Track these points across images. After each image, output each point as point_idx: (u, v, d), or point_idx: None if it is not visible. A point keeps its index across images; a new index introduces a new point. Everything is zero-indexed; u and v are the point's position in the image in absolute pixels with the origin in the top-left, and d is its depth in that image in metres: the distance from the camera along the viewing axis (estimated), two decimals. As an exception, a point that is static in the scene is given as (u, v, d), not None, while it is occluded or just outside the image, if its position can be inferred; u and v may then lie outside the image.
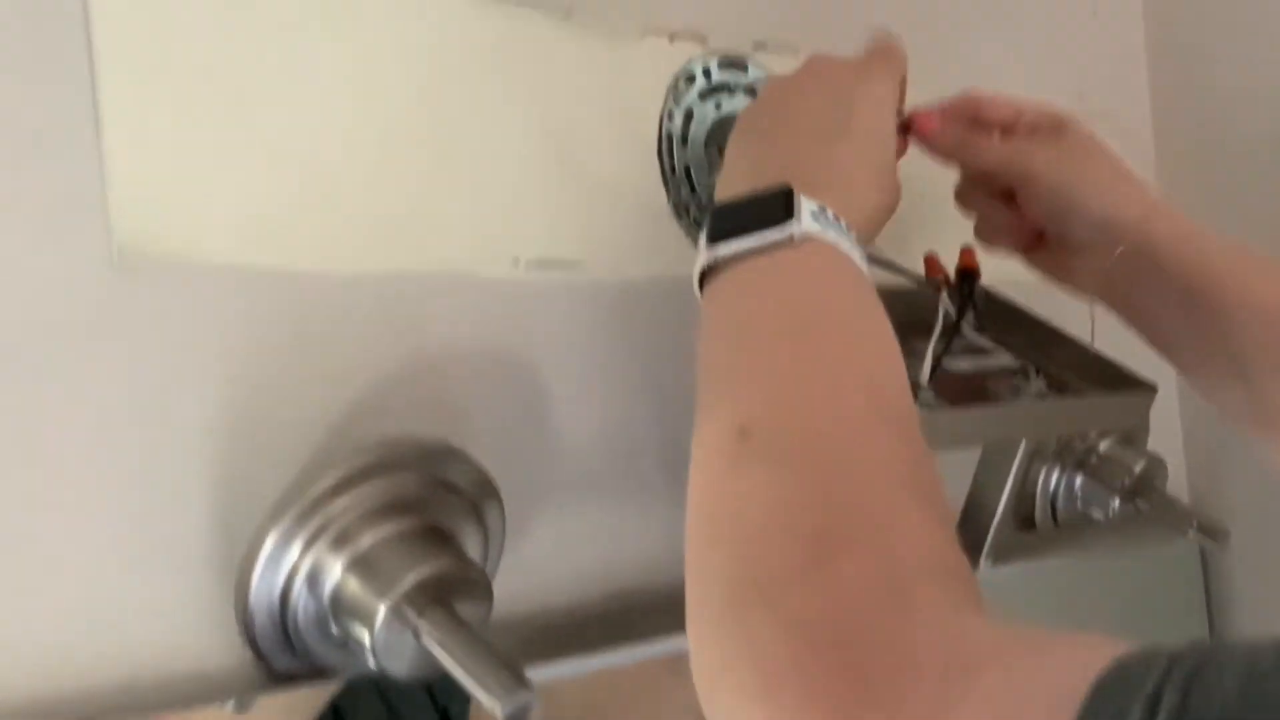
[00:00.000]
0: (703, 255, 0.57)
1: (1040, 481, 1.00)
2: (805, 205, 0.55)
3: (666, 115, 0.80)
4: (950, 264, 0.81)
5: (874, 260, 0.72)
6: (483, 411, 0.70)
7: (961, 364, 0.83)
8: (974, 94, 0.75)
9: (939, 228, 0.86)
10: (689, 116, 0.81)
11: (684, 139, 0.81)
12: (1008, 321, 0.87)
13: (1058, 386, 0.83)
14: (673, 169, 0.81)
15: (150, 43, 0.60)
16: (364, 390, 0.66)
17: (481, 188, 0.71)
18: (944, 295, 0.79)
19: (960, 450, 0.87)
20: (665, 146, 0.80)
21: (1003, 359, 0.86)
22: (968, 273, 0.80)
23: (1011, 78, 0.99)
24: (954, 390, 0.78)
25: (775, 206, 0.55)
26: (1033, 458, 0.95)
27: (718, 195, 0.62)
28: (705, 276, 0.58)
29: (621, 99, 0.78)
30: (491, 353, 0.71)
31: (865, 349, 0.54)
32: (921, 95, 0.74)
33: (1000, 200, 0.77)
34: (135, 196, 0.59)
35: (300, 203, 0.64)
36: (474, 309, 0.71)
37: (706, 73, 0.82)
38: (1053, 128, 0.75)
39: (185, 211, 0.61)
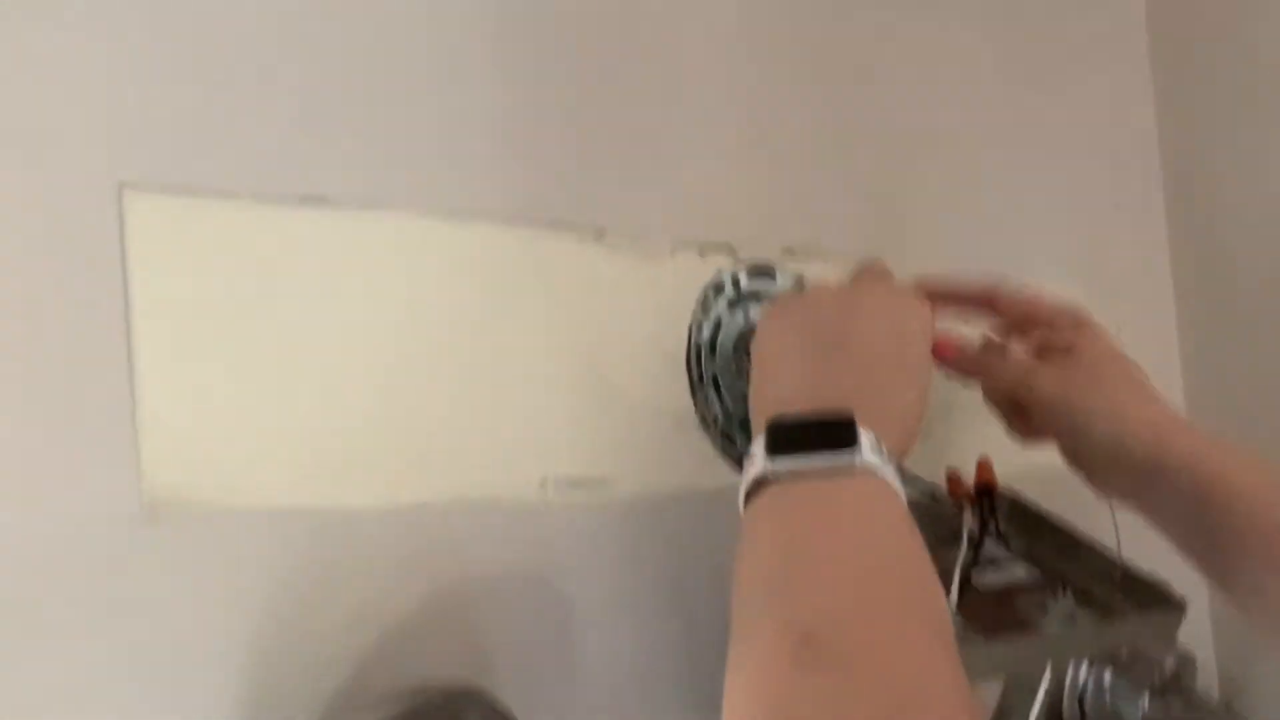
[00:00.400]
0: (758, 465, 0.57)
1: (1069, 677, 0.98)
2: (865, 437, 0.56)
3: (695, 327, 0.81)
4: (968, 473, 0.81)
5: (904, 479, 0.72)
6: (509, 642, 0.69)
7: (988, 577, 0.82)
8: (993, 285, 0.76)
9: (961, 432, 0.87)
10: (718, 326, 0.82)
11: (712, 349, 0.81)
12: (1032, 529, 0.87)
13: (1086, 600, 0.82)
14: (700, 379, 0.81)
15: (186, 290, 0.61)
16: (390, 625, 0.65)
17: (510, 410, 0.71)
18: (966, 515, 0.79)
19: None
20: (694, 357, 0.81)
21: (1029, 570, 0.85)
22: (986, 489, 0.79)
23: (1033, 270, 1.00)
24: (982, 613, 0.77)
25: (838, 432, 0.56)
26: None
27: (761, 400, 0.63)
28: (753, 487, 0.57)
29: (652, 314, 0.78)
30: (518, 579, 0.71)
31: (917, 578, 0.54)
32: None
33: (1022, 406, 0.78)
34: (167, 447, 0.60)
35: (336, 443, 0.65)
36: (500, 534, 0.70)
37: (735, 283, 0.83)
38: (1065, 345, 0.76)
39: (218, 460, 0.61)
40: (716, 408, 0.81)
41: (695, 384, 0.81)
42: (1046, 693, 0.93)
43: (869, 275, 0.71)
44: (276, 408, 0.63)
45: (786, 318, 0.66)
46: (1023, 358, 0.78)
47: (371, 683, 0.64)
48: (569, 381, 0.74)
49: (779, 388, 0.63)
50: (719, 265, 0.82)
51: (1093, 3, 1.11)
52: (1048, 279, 1.00)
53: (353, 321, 0.66)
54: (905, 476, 0.73)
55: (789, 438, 0.57)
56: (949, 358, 0.74)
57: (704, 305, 0.81)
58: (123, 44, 0.61)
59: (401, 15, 0.70)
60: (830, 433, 0.57)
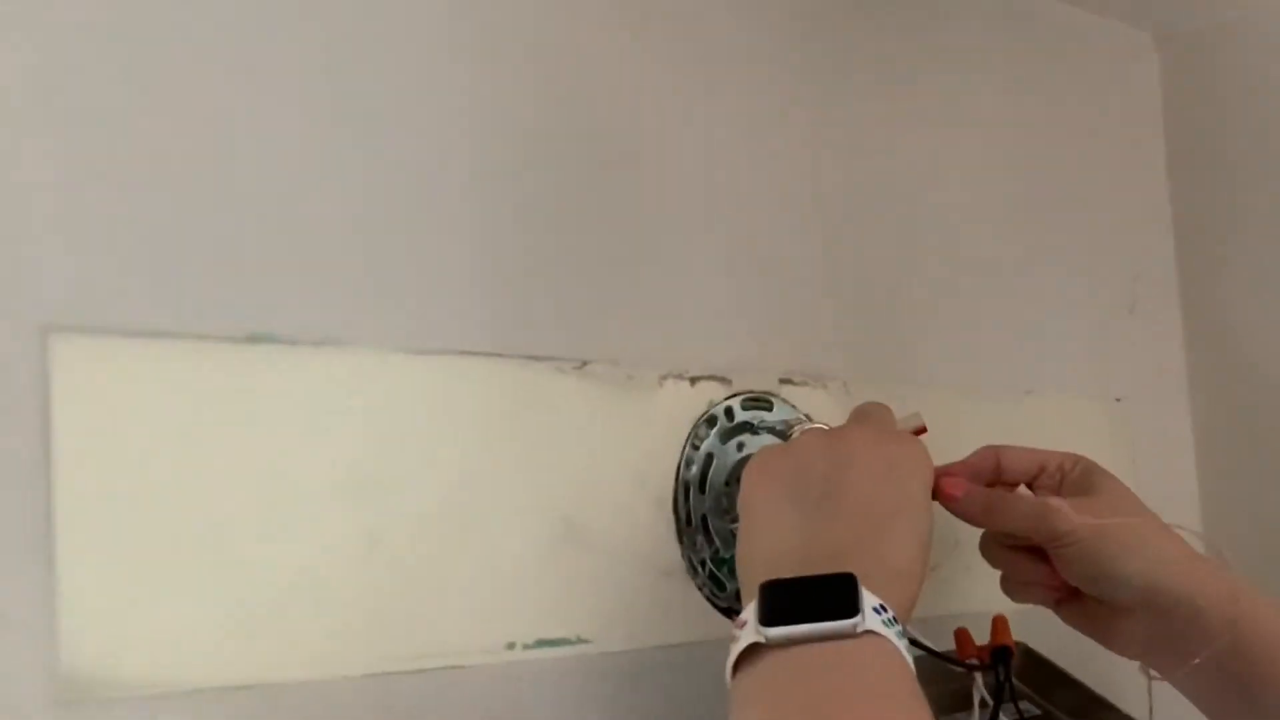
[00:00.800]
0: (749, 634, 0.52)
1: None
2: (867, 599, 0.52)
3: (684, 463, 0.75)
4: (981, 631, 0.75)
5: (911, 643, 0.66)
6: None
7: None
8: (993, 449, 0.71)
9: (970, 581, 0.80)
10: (709, 460, 0.75)
11: (702, 486, 0.75)
12: (1054, 688, 0.81)
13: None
14: (688, 520, 0.74)
15: (115, 443, 0.55)
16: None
17: (474, 565, 0.65)
18: (978, 681, 0.72)
19: None
20: (681, 497, 0.74)
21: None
22: (1003, 652, 0.73)
23: (1050, 378, 0.94)
24: None
25: (837, 595, 0.52)
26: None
27: (749, 560, 0.58)
28: (743, 654, 0.53)
29: (637, 452, 0.72)
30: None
31: None
32: (948, 411, 0.69)
33: (1027, 554, 0.72)
34: (87, 620, 0.53)
35: (278, 613, 0.58)
36: (462, 705, 0.64)
37: (729, 413, 0.77)
38: (1081, 480, 0.71)
39: (143, 634, 0.54)
40: (705, 550, 0.75)
41: (682, 525, 0.74)
42: None
43: (859, 417, 0.66)
44: (211, 570, 0.56)
45: (773, 468, 0.62)
46: (1037, 498, 0.72)
47: None
48: (543, 530, 0.67)
49: (768, 545, 0.59)
50: (711, 396, 0.76)
51: (1108, 111, 1.06)
52: (1060, 390, 0.95)
53: (298, 471, 0.59)
54: (915, 644, 0.68)
55: (783, 605, 0.52)
56: (955, 497, 0.68)
57: (693, 439, 0.75)
58: (51, 176, 0.55)
59: (365, 141, 0.64)
60: (829, 596, 0.52)
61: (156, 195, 0.57)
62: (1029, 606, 0.74)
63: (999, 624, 0.72)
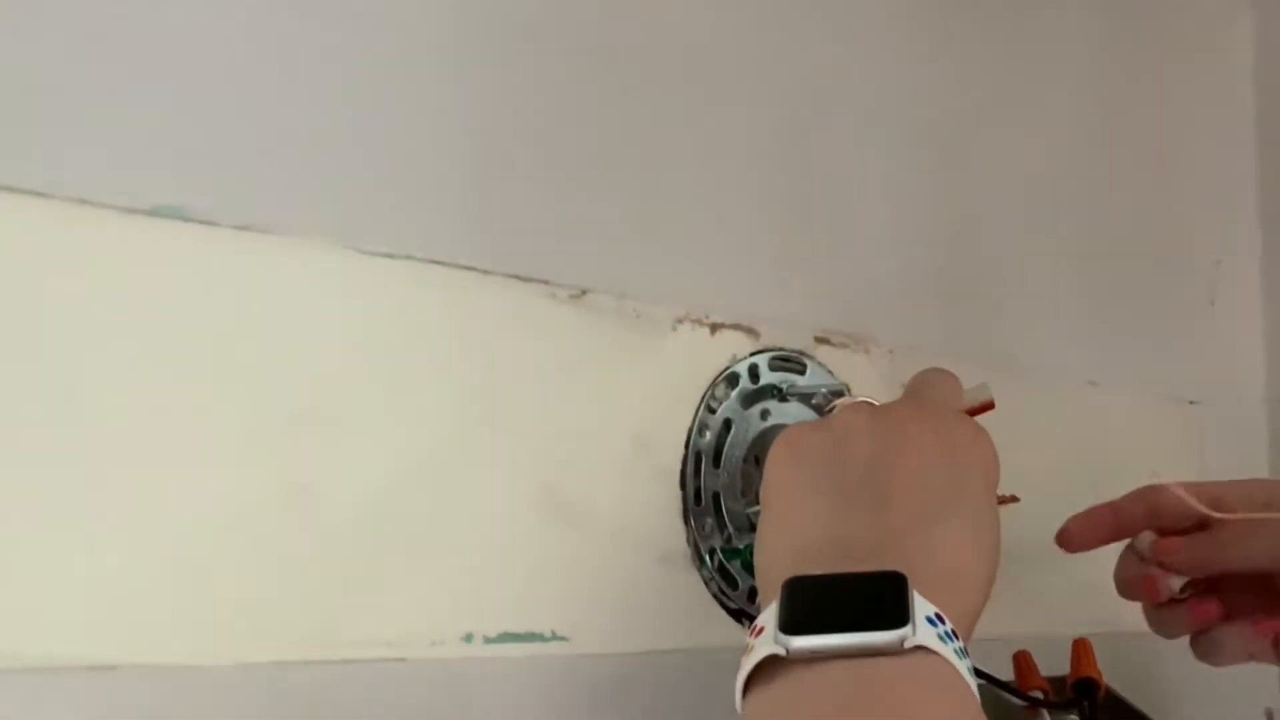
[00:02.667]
0: (767, 643, 0.38)
1: None
2: (920, 608, 0.39)
3: (696, 429, 0.61)
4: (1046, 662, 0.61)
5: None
6: None
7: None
8: (1151, 494, 0.57)
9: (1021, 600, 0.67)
10: (726, 429, 0.61)
11: (716, 458, 0.61)
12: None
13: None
14: (697, 498, 0.60)
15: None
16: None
17: (428, 539, 0.51)
18: (1046, 716, 0.58)
19: None
20: (690, 469, 0.60)
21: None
22: (1087, 684, 0.59)
23: (1117, 371, 0.81)
24: None
25: (879, 599, 0.39)
26: None
27: (771, 553, 0.45)
28: (757, 669, 0.39)
29: (639, 406, 0.58)
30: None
31: None
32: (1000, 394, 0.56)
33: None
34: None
35: (159, 578, 0.44)
36: (402, 703, 0.49)
37: (754, 372, 0.63)
38: None
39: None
40: (715, 537, 0.61)
41: (690, 504, 0.60)
42: None
43: (918, 386, 0.53)
44: (74, 520, 0.42)
45: (805, 446, 0.48)
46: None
47: None
48: (516, 496, 0.53)
49: (794, 537, 0.45)
50: (734, 350, 0.62)
51: (1196, 78, 0.93)
52: (1127, 385, 0.82)
53: (199, 398, 0.45)
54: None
55: (812, 609, 0.39)
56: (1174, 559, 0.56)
57: (709, 401, 0.61)
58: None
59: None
60: (870, 600, 0.39)
61: (48, 33, 0.43)
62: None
63: (1081, 651, 0.58)
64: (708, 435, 0.61)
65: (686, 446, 0.60)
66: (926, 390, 0.53)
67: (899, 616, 0.38)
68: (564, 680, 0.55)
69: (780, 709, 0.38)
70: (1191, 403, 0.89)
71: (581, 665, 0.55)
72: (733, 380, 0.62)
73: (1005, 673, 0.61)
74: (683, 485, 0.60)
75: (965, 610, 0.42)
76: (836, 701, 0.37)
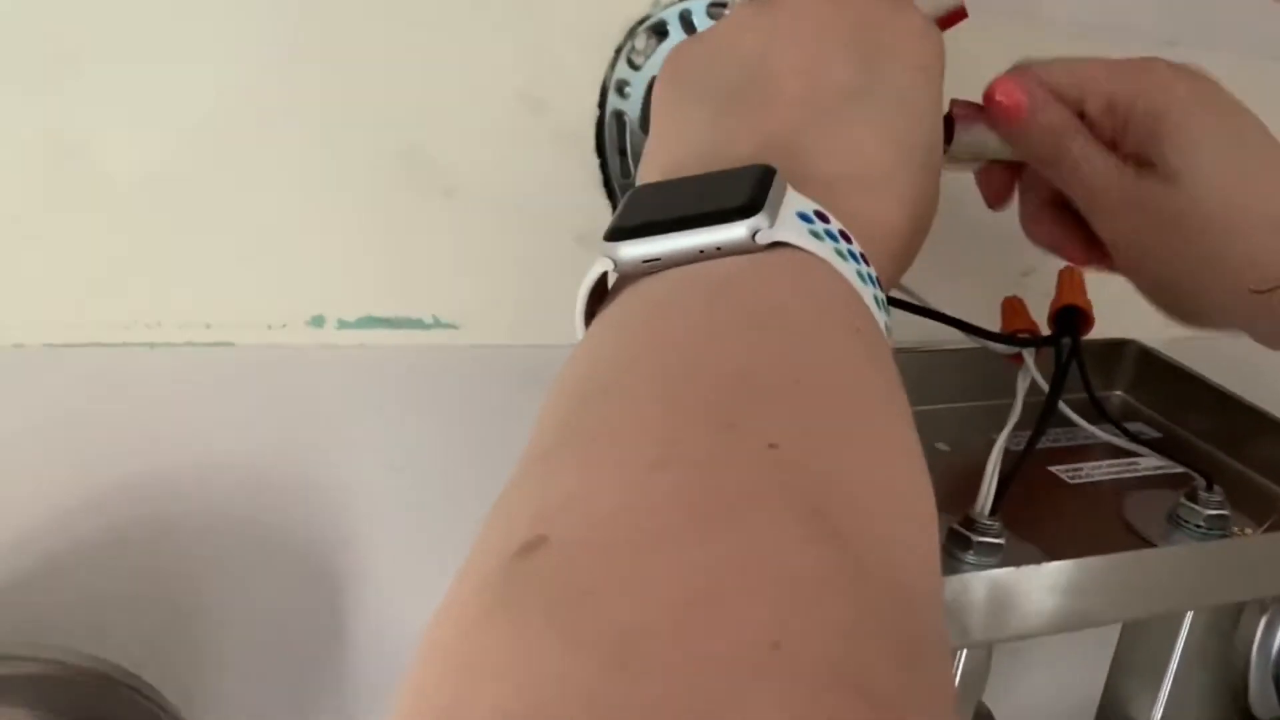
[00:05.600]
0: (595, 263, 0.31)
1: (1255, 638, 0.64)
2: (791, 199, 0.30)
3: (613, 87, 0.52)
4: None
5: (903, 305, 0.43)
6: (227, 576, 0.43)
7: (1070, 467, 0.52)
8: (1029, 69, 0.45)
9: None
10: (651, 88, 0.52)
11: (643, 121, 0.52)
12: (1189, 408, 0.56)
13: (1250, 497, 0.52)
14: (625, 170, 0.52)
15: None
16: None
17: (259, 206, 0.44)
18: (1028, 362, 0.48)
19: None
20: (611, 135, 0.52)
21: (1147, 461, 0.55)
22: (1070, 314, 0.48)
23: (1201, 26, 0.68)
24: (1053, 518, 0.48)
25: (736, 194, 0.30)
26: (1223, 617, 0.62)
27: (642, 176, 0.36)
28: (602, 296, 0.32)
29: (521, 63, 0.49)
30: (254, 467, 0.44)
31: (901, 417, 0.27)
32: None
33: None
34: None
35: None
36: (233, 391, 0.44)
37: (686, 20, 0.53)
38: (1153, 131, 0.44)
39: None
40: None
41: (614, 174, 0.52)
42: (1192, 658, 0.61)
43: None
44: None
45: (684, 57, 0.39)
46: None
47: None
48: (368, 162, 0.46)
49: (665, 153, 0.37)
50: (653, -8, 0.52)
51: None
52: (1216, 45, 0.68)
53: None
54: (911, 305, 0.45)
55: (652, 210, 0.31)
56: (1018, 110, 0.44)
57: (629, 54, 0.52)
58: None
59: None
60: (723, 196, 0.31)
61: None
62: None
63: (1067, 279, 0.47)
64: (630, 94, 0.52)
65: (601, 107, 0.51)
66: None
67: (752, 206, 0.29)
68: (453, 373, 0.48)
69: (597, 329, 0.30)
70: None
71: (478, 357, 0.48)
72: (660, 31, 0.53)
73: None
74: (600, 153, 0.51)
75: (877, 225, 0.33)
76: (652, 304, 0.29)
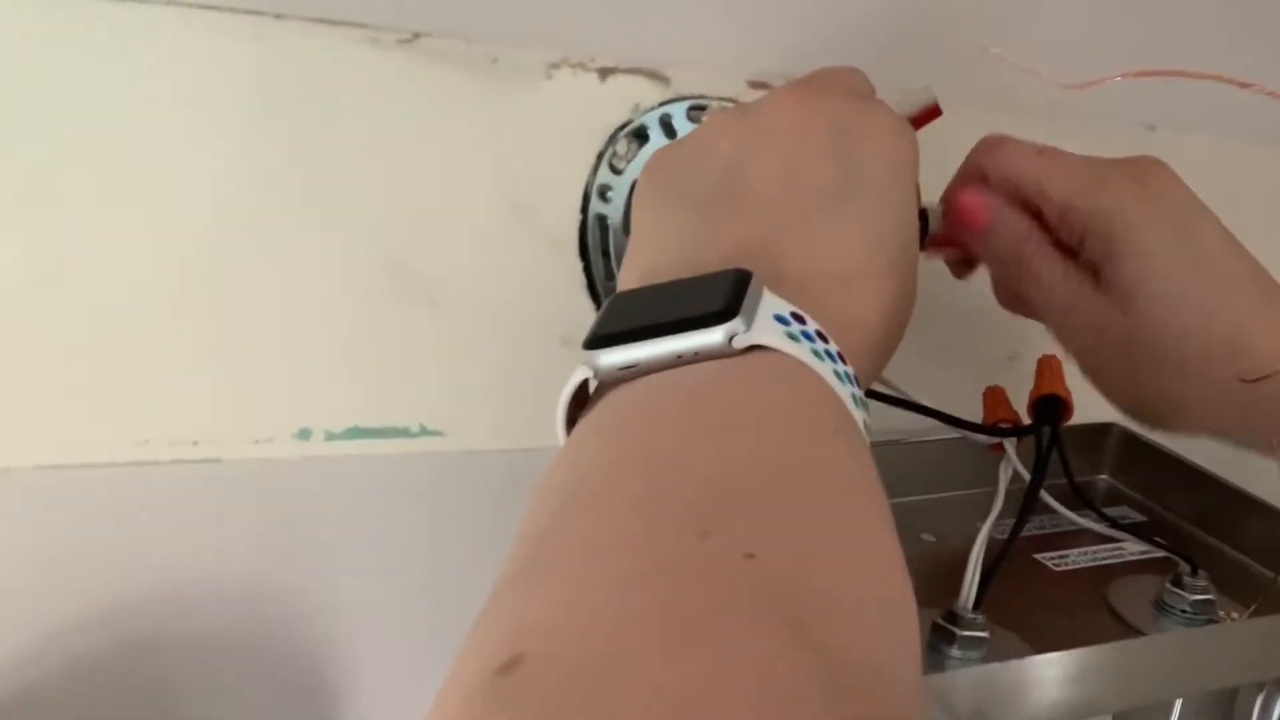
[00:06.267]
0: (575, 371, 0.32)
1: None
2: (767, 302, 0.31)
3: (595, 192, 0.53)
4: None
5: (883, 398, 0.44)
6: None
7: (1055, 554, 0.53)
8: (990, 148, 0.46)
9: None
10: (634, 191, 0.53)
11: (626, 224, 0.53)
12: (1169, 488, 0.57)
13: (1236, 581, 0.53)
14: (609, 272, 0.53)
15: None
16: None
17: (246, 322, 0.45)
18: (1010, 452, 0.49)
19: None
20: (595, 238, 0.53)
21: (1133, 545, 0.55)
22: (1050, 403, 0.49)
23: (1174, 107, 0.69)
24: (1035, 608, 0.49)
25: (712, 299, 0.31)
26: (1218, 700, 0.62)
27: (620, 285, 0.37)
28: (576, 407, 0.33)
29: (506, 171, 0.50)
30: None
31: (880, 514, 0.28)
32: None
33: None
34: None
35: None
36: (222, 504, 0.44)
37: (667, 124, 0.54)
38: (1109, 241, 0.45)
39: None
40: (634, 316, 0.53)
41: (599, 281, 0.53)
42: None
43: (805, 79, 0.42)
44: None
45: (663, 165, 0.40)
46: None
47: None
48: (350, 276, 0.47)
49: (644, 260, 0.38)
50: (635, 99, 0.53)
51: None
52: (1194, 127, 0.69)
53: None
54: (893, 399, 0.45)
55: (631, 316, 0.32)
56: (978, 222, 0.45)
57: (610, 159, 0.53)
58: None
59: None
60: (701, 301, 0.31)
61: None
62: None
63: (1046, 367, 0.48)
64: (612, 199, 0.53)
65: (584, 212, 0.52)
66: (820, 78, 0.43)
67: (728, 310, 0.30)
68: (438, 480, 0.48)
69: (577, 436, 0.30)
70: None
71: (464, 463, 0.49)
72: (641, 136, 0.54)
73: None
74: (583, 256, 0.52)
75: (855, 323, 0.34)
76: (629, 411, 0.30)
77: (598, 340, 0.31)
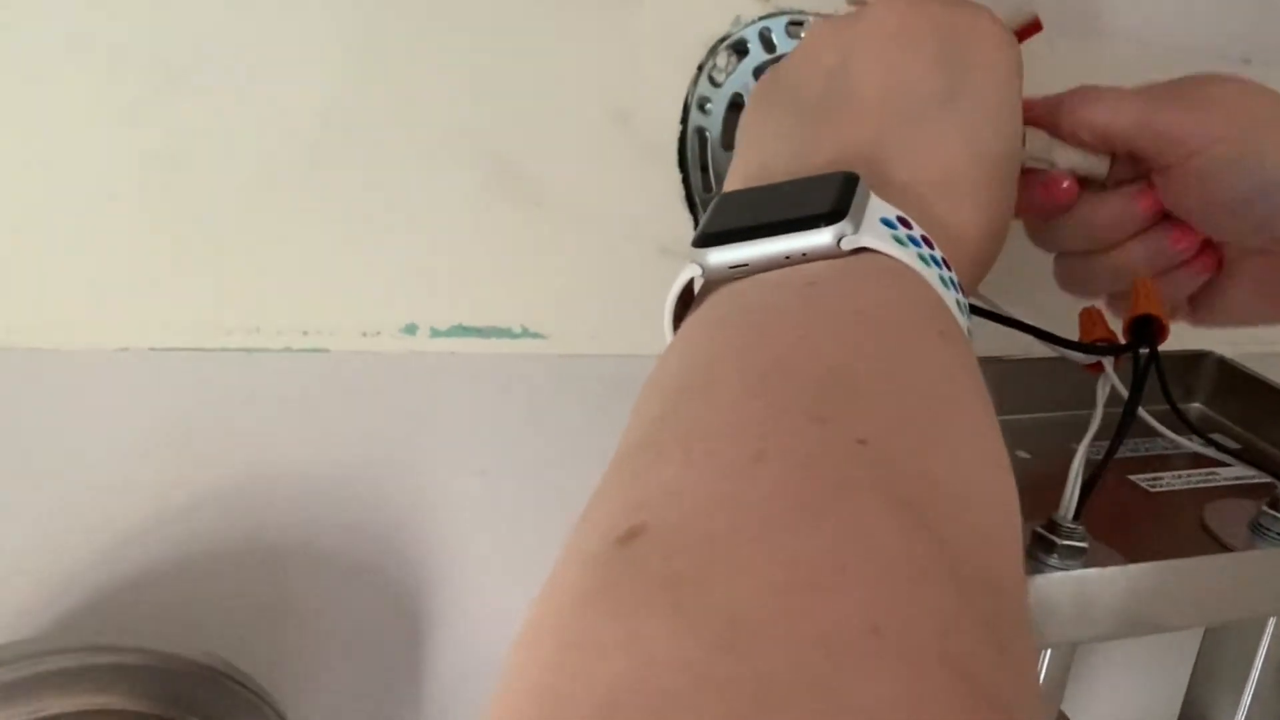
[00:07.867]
0: (684, 269, 0.32)
1: None
2: (874, 206, 0.31)
3: (695, 103, 0.53)
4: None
5: (983, 313, 0.44)
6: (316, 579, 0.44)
7: (1150, 476, 0.53)
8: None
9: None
10: (736, 105, 0.53)
11: (724, 137, 0.53)
12: (1266, 418, 0.56)
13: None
14: (706, 184, 0.53)
15: None
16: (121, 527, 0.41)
17: (350, 216, 0.46)
18: (1108, 370, 0.48)
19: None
20: (693, 148, 0.53)
21: (1227, 471, 0.54)
22: (1146, 323, 0.48)
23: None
24: (1133, 524, 0.48)
25: (820, 201, 0.31)
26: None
27: (726, 184, 0.38)
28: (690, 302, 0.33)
29: (608, 77, 0.50)
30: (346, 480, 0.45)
31: (930, 438, 0.26)
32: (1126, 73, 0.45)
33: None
34: None
35: (27, 260, 0.41)
36: (327, 394, 0.45)
37: (766, 39, 0.54)
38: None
39: None
40: (731, 228, 0.53)
41: (696, 189, 0.53)
42: (1275, 664, 0.60)
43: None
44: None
45: (771, 77, 0.41)
46: None
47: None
48: (457, 173, 0.47)
49: (748, 166, 0.38)
50: (737, 11, 0.53)
51: None
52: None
53: (58, 55, 0.41)
54: (991, 313, 0.45)
55: (739, 216, 0.32)
56: (1064, 196, 0.46)
57: (711, 71, 0.53)
58: None
59: None
60: (804, 202, 0.31)
61: None
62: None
63: (1142, 288, 0.47)
64: (711, 111, 0.53)
65: (684, 123, 0.53)
66: None
67: (837, 212, 0.30)
68: (539, 381, 0.49)
69: (688, 330, 0.31)
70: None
71: (564, 366, 0.49)
72: (740, 49, 0.54)
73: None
74: (682, 167, 0.53)
75: (958, 231, 0.34)
76: (743, 305, 0.30)
77: (707, 238, 0.31)
